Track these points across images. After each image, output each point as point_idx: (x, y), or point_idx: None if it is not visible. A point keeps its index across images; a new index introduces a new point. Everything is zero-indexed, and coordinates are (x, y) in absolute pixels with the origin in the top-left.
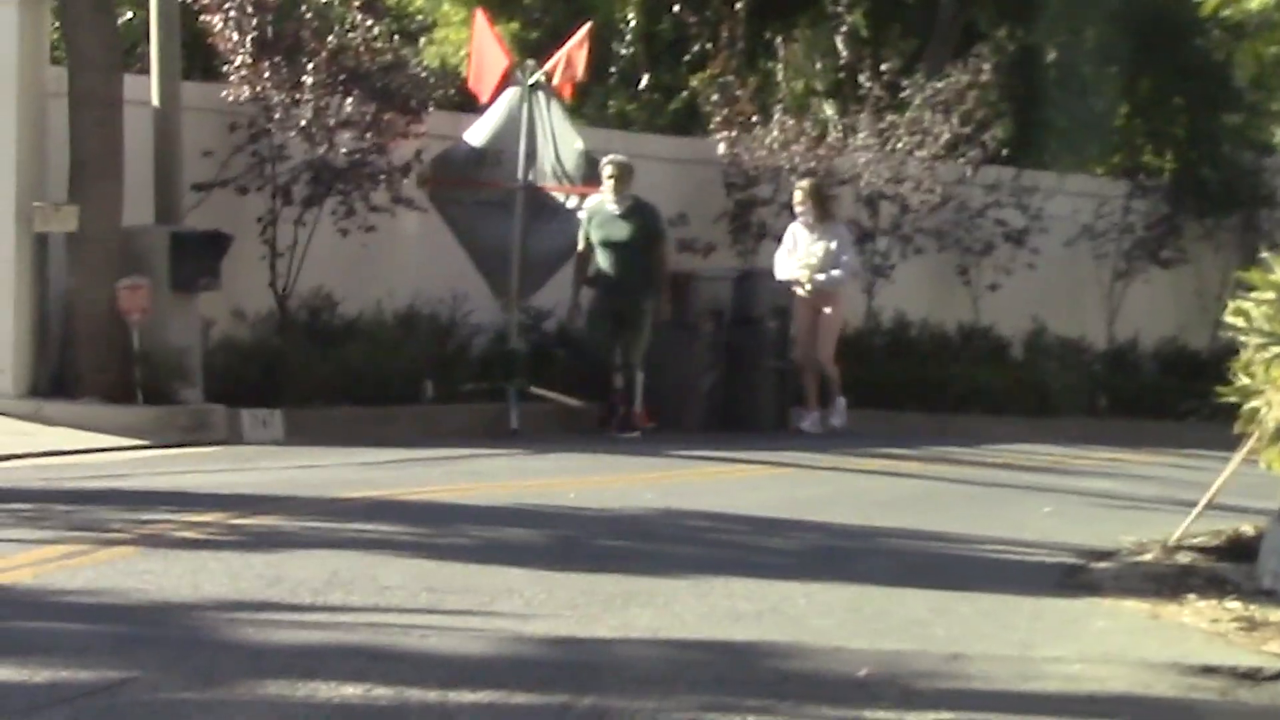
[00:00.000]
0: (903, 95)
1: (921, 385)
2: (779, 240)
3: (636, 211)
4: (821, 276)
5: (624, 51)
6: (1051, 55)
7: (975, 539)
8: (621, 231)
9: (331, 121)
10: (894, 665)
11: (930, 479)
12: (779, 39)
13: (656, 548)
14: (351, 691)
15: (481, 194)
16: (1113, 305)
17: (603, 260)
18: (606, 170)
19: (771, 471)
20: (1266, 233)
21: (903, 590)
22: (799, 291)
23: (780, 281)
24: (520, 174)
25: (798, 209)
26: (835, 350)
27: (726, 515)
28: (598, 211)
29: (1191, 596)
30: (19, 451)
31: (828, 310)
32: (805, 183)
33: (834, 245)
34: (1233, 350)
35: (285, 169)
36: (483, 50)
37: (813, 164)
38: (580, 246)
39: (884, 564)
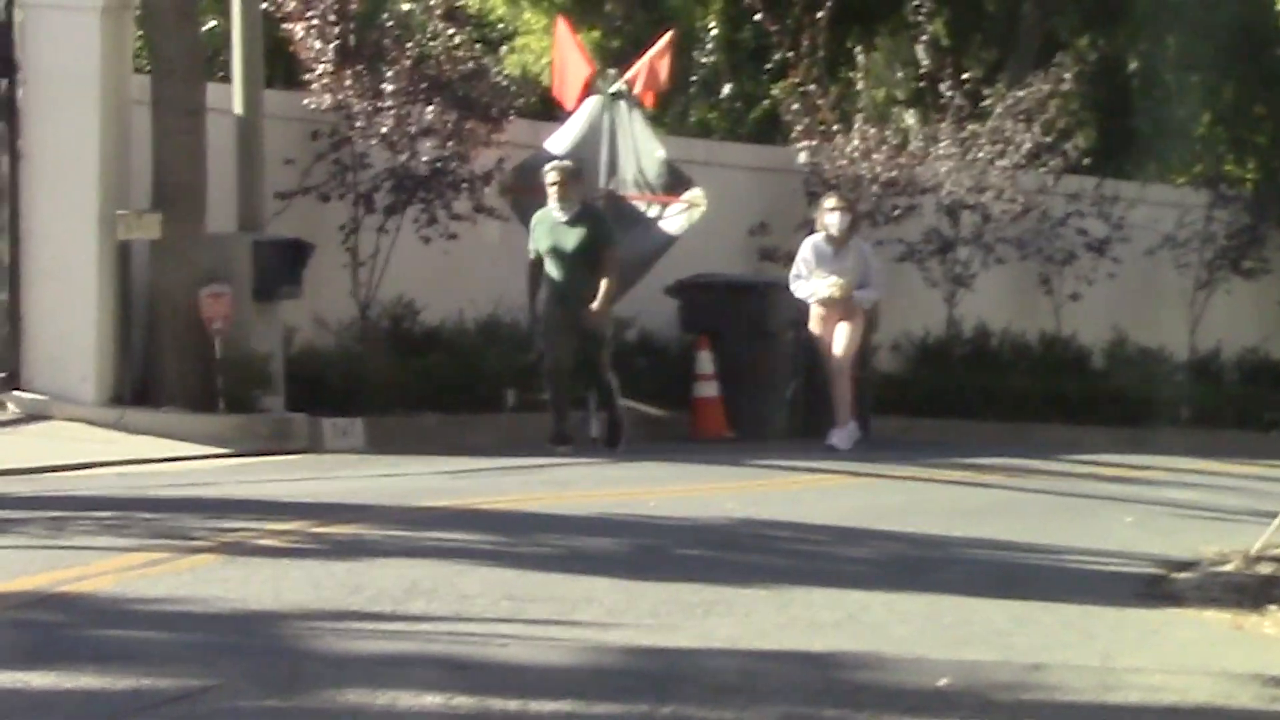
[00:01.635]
0: (984, 104)
1: (1003, 395)
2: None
3: (584, 218)
4: (860, 294)
5: (705, 60)
6: (1133, 64)
7: (1056, 549)
8: (570, 239)
9: (413, 130)
10: (974, 675)
11: (1011, 489)
12: (860, 48)
13: (737, 557)
14: (432, 700)
15: None
16: (1194, 315)
17: (552, 269)
18: (550, 176)
19: (851, 480)
20: None
21: (983, 600)
22: (818, 309)
23: (800, 300)
24: (602, 182)
25: (829, 221)
26: (856, 368)
27: (806, 524)
28: (544, 220)
29: (1273, 607)
30: (102, 459)
31: (849, 325)
32: (844, 195)
33: (862, 264)
34: None
35: (367, 177)
36: (565, 58)
37: (894, 173)
38: (530, 256)
39: (964, 573)
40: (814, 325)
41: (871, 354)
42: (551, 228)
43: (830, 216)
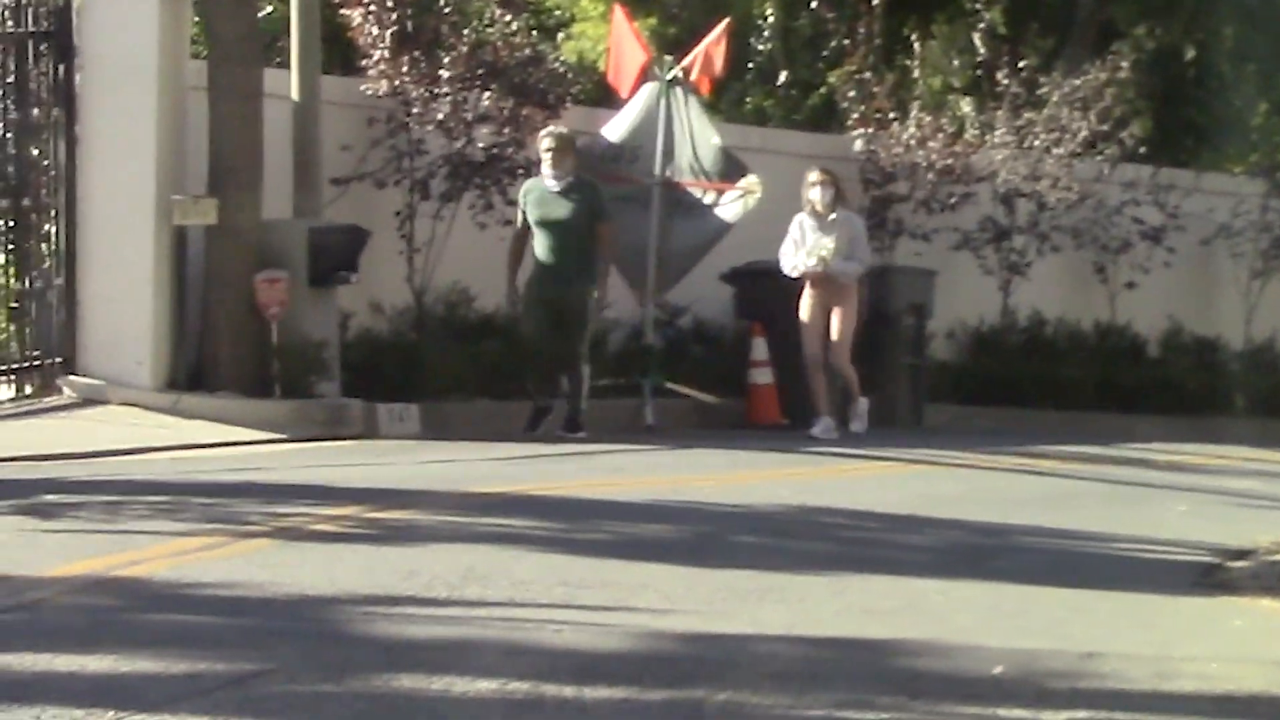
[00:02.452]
0: (1040, 92)
1: (1057, 383)
2: (918, 237)
3: (577, 189)
4: (839, 266)
5: (762, 47)
6: (1190, 53)
7: (1111, 537)
8: (561, 210)
9: (469, 116)
10: (1030, 663)
11: (1066, 477)
12: (917, 35)
13: (792, 544)
14: (486, 686)
15: (619, 189)
16: (1249, 304)
17: (539, 243)
18: (544, 143)
19: (907, 468)
20: None
21: (1039, 588)
22: (804, 299)
23: (789, 278)
24: (657, 169)
25: (813, 196)
26: (852, 350)
27: (862, 512)
28: (534, 189)
29: None
30: (157, 444)
31: (841, 309)
32: (825, 168)
33: (849, 235)
34: None
35: (423, 163)
36: (621, 45)
37: (949, 161)
38: (516, 228)
39: (1020, 562)
40: (803, 307)
41: (926, 341)
42: (541, 198)
43: (813, 191)
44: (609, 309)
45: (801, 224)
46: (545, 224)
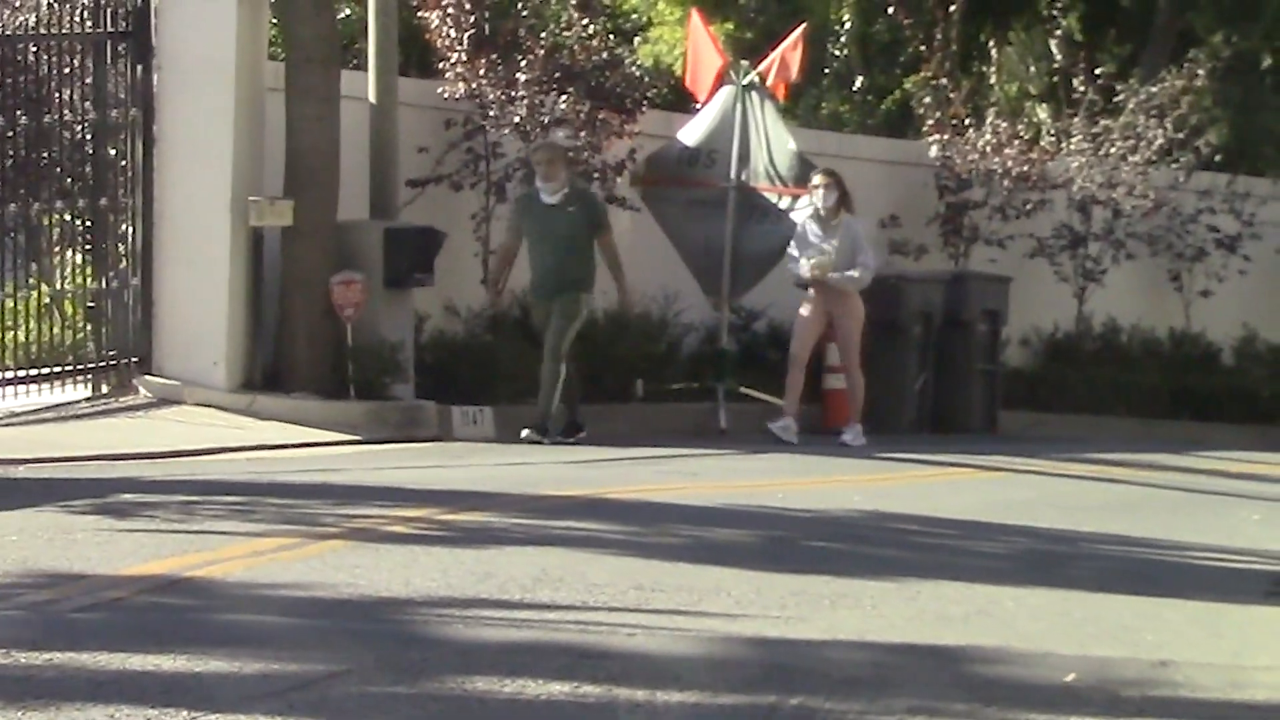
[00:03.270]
0: (1117, 99)
1: (1131, 391)
2: (993, 243)
3: (576, 200)
4: (838, 275)
5: (838, 53)
6: (1267, 61)
7: (1184, 545)
8: (559, 224)
9: (546, 119)
10: (1101, 671)
11: (1138, 484)
12: (993, 42)
13: (865, 550)
14: (559, 689)
15: (694, 193)
16: None
17: (537, 257)
18: (538, 155)
19: (979, 475)
20: None
21: (1111, 596)
22: (810, 293)
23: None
24: (733, 174)
25: (815, 200)
26: (860, 358)
27: (934, 518)
28: (528, 203)
29: None
30: (232, 444)
31: (843, 317)
32: (830, 170)
33: (851, 241)
34: None
35: (499, 166)
36: (698, 50)
37: (1025, 168)
38: (507, 238)
39: (1092, 569)
40: (803, 306)
41: (1000, 348)
42: (537, 211)
43: (816, 194)
44: (683, 312)
45: (805, 226)
46: (543, 239)
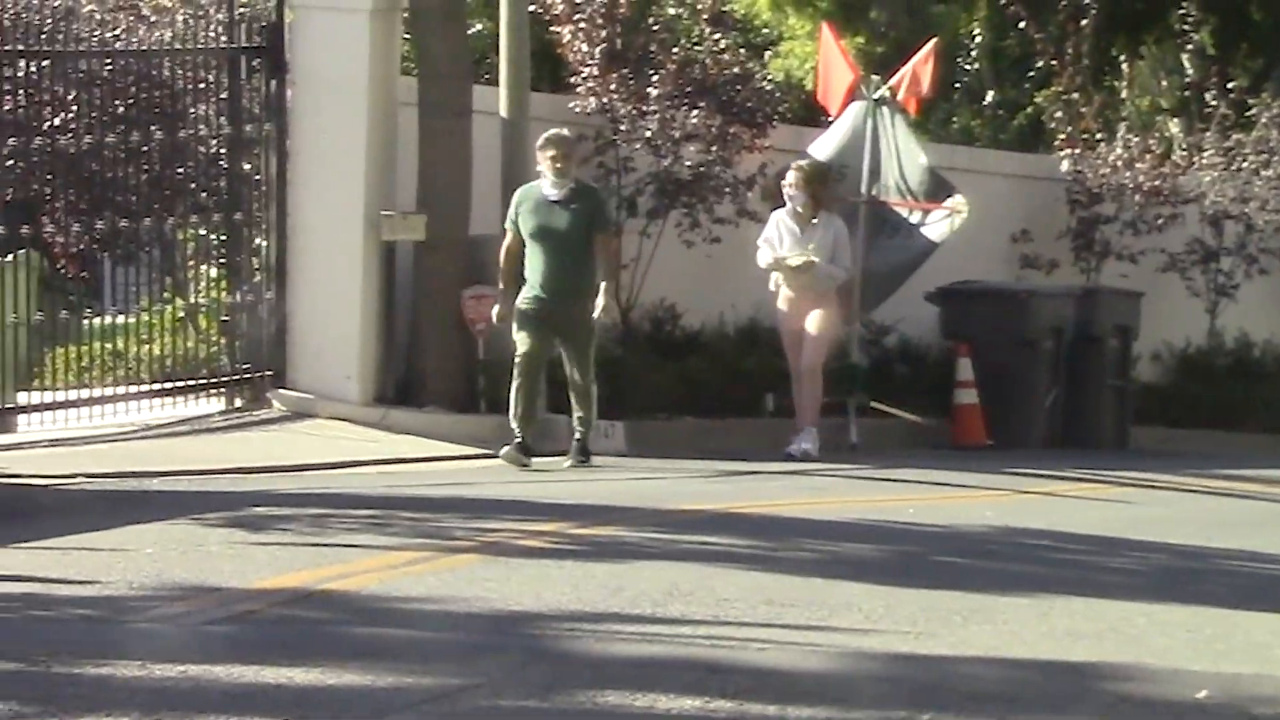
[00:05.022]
0: (1249, 114)
1: (1264, 406)
2: (1124, 258)
3: (579, 197)
4: (827, 267)
5: (969, 67)
6: None
7: None
8: (559, 220)
9: (677, 134)
10: (1234, 689)
11: (1271, 500)
12: (1125, 56)
13: (996, 565)
14: (690, 704)
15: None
16: None
17: (534, 256)
18: (549, 150)
19: (1111, 490)
20: None
21: (1244, 613)
22: (782, 302)
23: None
24: (864, 188)
25: (789, 195)
26: (822, 362)
27: (1066, 534)
28: (529, 198)
29: None
30: (365, 458)
31: (818, 313)
32: (801, 166)
33: (832, 239)
34: None
35: (631, 180)
36: (829, 64)
37: (1157, 182)
38: (508, 240)
39: (1225, 585)
40: (782, 305)
41: (1132, 363)
42: (538, 207)
43: (785, 192)
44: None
45: (779, 224)
46: (541, 235)
